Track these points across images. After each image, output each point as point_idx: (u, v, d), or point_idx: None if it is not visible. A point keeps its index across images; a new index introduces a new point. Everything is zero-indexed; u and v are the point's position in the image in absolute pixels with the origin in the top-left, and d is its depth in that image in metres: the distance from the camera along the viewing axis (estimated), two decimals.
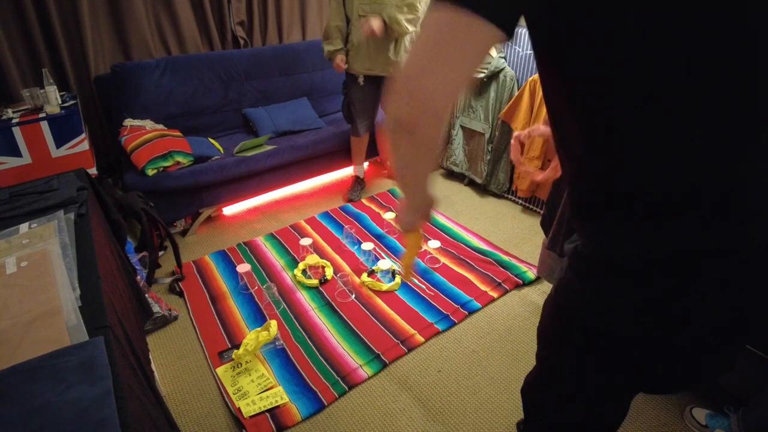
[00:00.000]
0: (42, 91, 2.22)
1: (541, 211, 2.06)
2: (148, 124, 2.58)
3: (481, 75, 2.73)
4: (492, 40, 0.53)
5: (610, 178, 0.63)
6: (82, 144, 2.29)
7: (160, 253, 2.33)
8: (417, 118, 0.56)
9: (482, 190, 3.03)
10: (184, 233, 2.62)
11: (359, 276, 2.21)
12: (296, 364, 1.75)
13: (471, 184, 3.11)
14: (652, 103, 0.55)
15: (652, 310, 0.67)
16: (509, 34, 0.53)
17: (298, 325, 1.93)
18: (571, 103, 0.62)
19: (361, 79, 2.62)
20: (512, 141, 1.42)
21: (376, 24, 2.36)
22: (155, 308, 1.89)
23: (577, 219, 0.72)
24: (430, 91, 0.54)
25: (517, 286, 2.16)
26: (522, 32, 2.58)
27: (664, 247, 0.63)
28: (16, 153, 2.14)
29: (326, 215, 2.78)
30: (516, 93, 2.62)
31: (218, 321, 1.96)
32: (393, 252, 2.42)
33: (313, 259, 2.29)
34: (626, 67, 0.54)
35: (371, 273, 2.22)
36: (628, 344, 0.71)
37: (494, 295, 2.09)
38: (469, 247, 2.43)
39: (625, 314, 0.69)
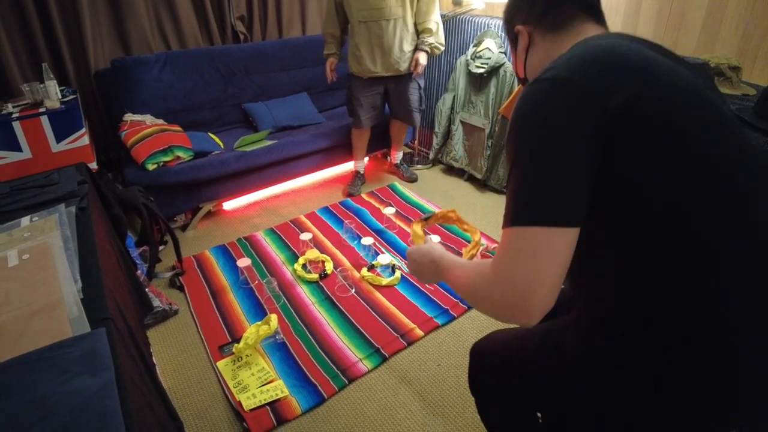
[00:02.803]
0: (42, 85, 2.22)
1: None
2: (148, 118, 2.58)
3: (481, 71, 2.73)
4: (576, 236, 0.64)
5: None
6: (82, 139, 2.29)
7: (161, 248, 2.34)
8: (532, 319, 0.64)
9: (482, 185, 3.03)
10: (184, 228, 2.62)
11: (359, 270, 2.22)
12: (296, 357, 1.76)
13: (471, 179, 3.11)
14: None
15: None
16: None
17: (298, 319, 1.94)
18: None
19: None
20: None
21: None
22: (156, 302, 1.89)
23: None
24: (543, 296, 0.62)
25: None
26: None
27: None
28: (16, 148, 2.14)
29: (326, 210, 2.79)
30: (516, 88, 2.62)
31: (219, 315, 1.97)
32: (393, 247, 2.42)
33: (313, 253, 2.30)
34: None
35: (371, 267, 2.22)
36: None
37: None
38: (468, 242, 2.43)
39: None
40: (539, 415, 1.10)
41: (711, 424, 0.72)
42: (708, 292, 0.66)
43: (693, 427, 0.72)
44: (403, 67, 2.63)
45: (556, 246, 0.62)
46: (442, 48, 2.67)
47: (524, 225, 0.63)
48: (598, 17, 0.83)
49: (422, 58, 2.62)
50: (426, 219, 1.34)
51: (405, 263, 2.28)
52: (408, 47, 2.59)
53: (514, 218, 0.65)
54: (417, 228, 1.28)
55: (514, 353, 0.97)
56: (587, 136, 0.63)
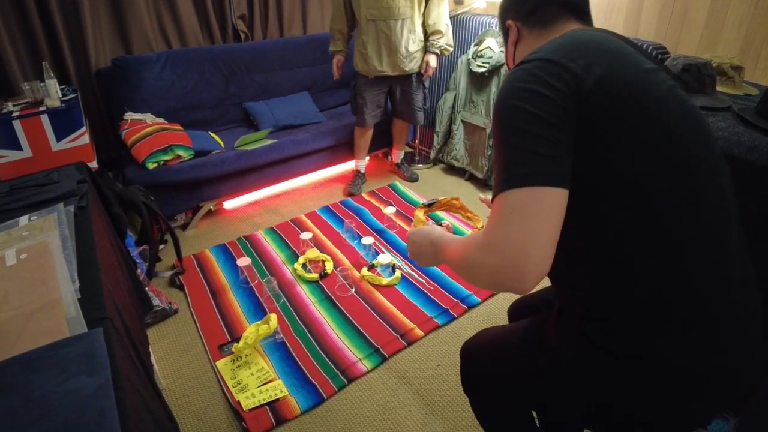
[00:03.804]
0: (42, 84, 2.22)
1: None
2: (148, 117, 2.58)
3: (482, 70, 2.72)
4: (565, 198, 0.66)
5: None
6: (82, 137, 2.29)
7: (161, 247, 2.34)
8: (528, 282, 0.63)
9: (483, 185, 3.02)
10: (184, 227, 2.62)
11: (359, 270, 2.21)
12: (296, 357, 1.76)
13: (472, 179, 3.10)
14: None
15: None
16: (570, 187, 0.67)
17: (297, 319, 1.94)
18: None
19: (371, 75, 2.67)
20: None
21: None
22: (155, 301, 1.89)
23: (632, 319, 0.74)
24: (536, 259, 0.62)
25: None
26: None
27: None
28: (17, 146, 2.14)
29: (326, 209, 2.79)
30: None
31: (218, 314, 1.97)
32: (393, 246, 2.42)
33: (313, 253, 2.29)
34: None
35: (371, 267, 2.22)
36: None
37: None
38: None
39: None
40: (532, 411, 1.10)
41: (691, 405, 0.74)
42: (674, 269, 0.70)
43: (673, 407, 0.74)
44: (408, 66, 2.63)
45: (546, 205, 0.64)
46: (451, 49, 2.68)
47: (513, 188, 0.65)
48: (581, 16, 0.88)
49: (432, 61, 2.65)
50: (429, 205, 1.34)
51: (404, 262, 2.28)
52: (413, 47, 2.59)
53: (503, 184, 0.67)
54: (420, 214, 1.28)
55: (501, 349, 0.98)
56: (568, 109, 0.68)
